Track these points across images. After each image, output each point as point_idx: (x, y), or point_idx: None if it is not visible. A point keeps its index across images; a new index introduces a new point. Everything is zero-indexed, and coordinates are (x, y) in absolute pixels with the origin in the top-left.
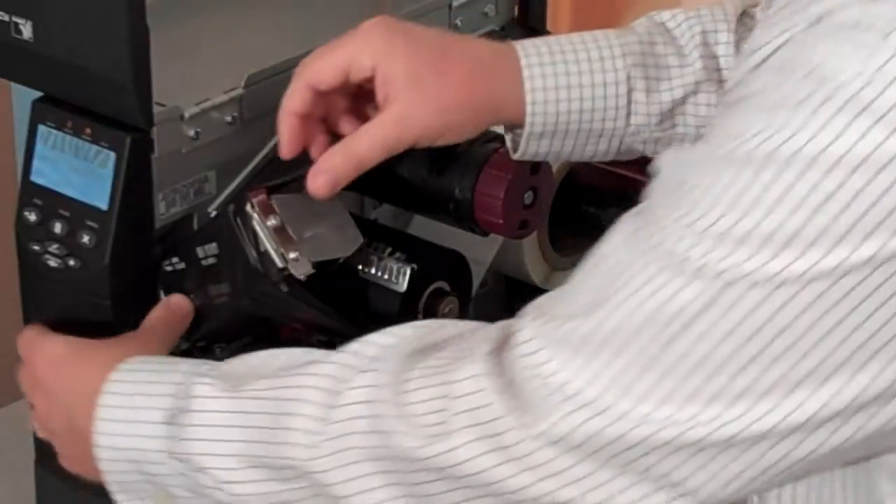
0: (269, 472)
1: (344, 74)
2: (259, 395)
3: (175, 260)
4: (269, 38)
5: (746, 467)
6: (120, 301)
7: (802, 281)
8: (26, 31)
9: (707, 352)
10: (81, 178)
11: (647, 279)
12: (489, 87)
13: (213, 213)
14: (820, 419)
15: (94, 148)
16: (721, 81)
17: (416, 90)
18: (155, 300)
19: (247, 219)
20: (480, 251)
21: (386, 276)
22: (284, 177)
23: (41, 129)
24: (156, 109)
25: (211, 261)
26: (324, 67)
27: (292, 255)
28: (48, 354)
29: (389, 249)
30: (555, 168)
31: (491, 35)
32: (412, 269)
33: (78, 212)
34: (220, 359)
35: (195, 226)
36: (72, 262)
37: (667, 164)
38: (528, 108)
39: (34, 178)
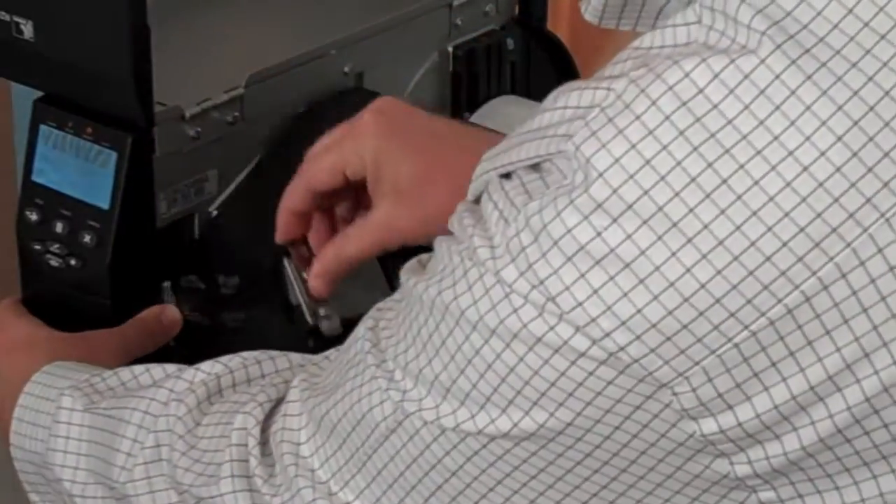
0: (106, 490)
1: (341, 175)
2: (106, 412)
3: (193, 278)
4: (270, 38)
5: None
6: (120, 301)
7: (460, 433)
8: (27, 30)
9: (400, 471)
10: (82, 177)
11: (362, 382)
12: None
13: (214, 214)
14: None
15: (96, 147)
16: None
17: (402, 198)
18: (155, 300)
19: (281, 268)
20: None
21: None
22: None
23: (42, 128)
24: (157, 109)
25: (229, 291)
26: (320, 172)
27: (323, 312)
28: (8, 337)
29: None
30: None
31: (491, 35)
32: None
33: (79, 211)
34: None
35: (195, 226)
36: (73, 262)
37: (406, 269)
38: None
39: (35, 177)
